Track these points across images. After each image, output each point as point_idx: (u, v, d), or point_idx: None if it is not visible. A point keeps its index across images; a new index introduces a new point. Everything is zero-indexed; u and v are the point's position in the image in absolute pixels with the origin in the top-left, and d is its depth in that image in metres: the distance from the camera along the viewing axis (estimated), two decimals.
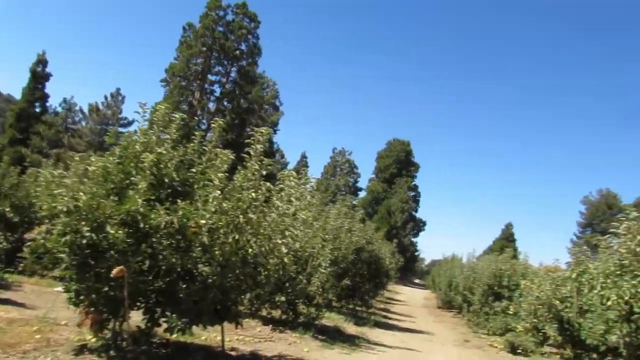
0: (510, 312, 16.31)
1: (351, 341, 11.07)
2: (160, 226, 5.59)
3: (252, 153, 6.60)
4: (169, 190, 6.36)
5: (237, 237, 5.52)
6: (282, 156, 74.33)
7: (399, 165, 73.92)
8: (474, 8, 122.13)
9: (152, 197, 6.11)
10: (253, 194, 6.04)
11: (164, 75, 53.10)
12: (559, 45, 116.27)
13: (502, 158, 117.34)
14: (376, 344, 11.87)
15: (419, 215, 74.27)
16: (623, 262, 6.86)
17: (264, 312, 11.38)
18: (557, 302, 9.14)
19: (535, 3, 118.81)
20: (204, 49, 50.84)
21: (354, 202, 66.80)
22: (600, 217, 69.75)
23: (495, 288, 19.02)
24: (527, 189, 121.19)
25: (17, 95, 48.07)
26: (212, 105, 55.00)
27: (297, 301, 10.47)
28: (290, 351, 8.65)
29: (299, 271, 10.65)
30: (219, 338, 8.69)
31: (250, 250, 5.69)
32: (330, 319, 15.19)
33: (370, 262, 17.59)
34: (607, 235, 9.73)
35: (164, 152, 6.43)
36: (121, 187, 5.92)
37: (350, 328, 13.90)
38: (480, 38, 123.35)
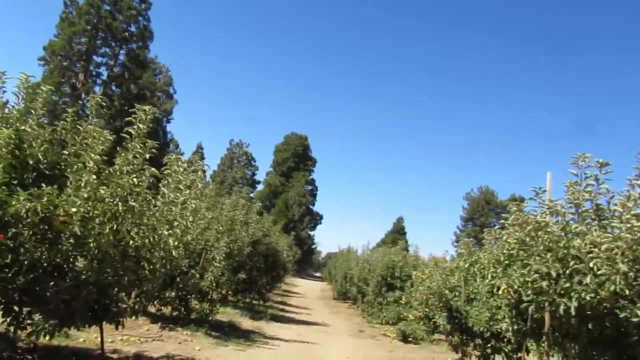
0: (403, 302, 16.88)
1: (246, 337, 10.61)
2: (20, 214, 4.71)
3: (133, 133, 5.86)
4: (35, 174, 5.44)
5: (115, 227, 4.80)
6: (177, 146, 71.32)
7: (296, 159, 74.47)
8: None
9: (14, 182, 5.19)
10: (135, 180, 5.33)
11: (43, 54, 48.00)
12: (447, 43, 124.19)
13: (395, 155, 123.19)
14: (272, 338, 11.53)
15: (315, 208, 75.52)
16: (511, 252, 7.16)
17: (153, 309, 10.52)
18: (447, 291, 9.45)
19: None
20: (89, 27, 46.87)
21: (252, 195, 66.20)
22: (480, 211, 76.19)
23: (388, 279, 19.61)
24: (417, 185, 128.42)
25: None
26: (98, 90, 50.87)
27: (189, 297, 9.76)
28: (180, 350, 7.98)
29: (191, 265, 9.97)
30: (99, 339, 7.82)
31: (131, 242, 4.99)
32: (226, 314, 14.59)
33: (267, 255, 17.21)
34: (496, 227, 10.31)
35: (28, 129, 5.48)
36: None
37: (246, 323, 13.43)
38: (374, 31, 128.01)
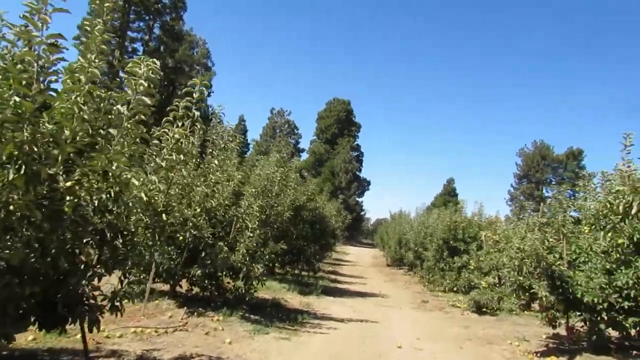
0: (472, 267, 14.74)
1: (293, 318, 8.85)
2: None
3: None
4: None
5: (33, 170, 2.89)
6: (220, 121, 70.50)
7: (340, 125, 72.16)
8: None
9: None
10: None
11: (77, 33, 47.40)
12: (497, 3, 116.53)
13: (443, 114, 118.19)
14: (324, 317, 9.75)
15: (362, 174, 73.29)
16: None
17: (183, 288, 8.93)
18: (545, 253, 7.24)
19: None
20: (121, 2, 45.61)
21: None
22: (535, 167, 71.54)
23: (450, 242, 17.46)
24: (467, 145, 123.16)
25: None
26: None
27: (219, 274, 8.05)
28: (204, 345, 6.27)
29: (219, 236, 8.22)
30: (105, 334, 6.21)
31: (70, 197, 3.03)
32: (271, 289, 12.95)
33: (314, 222, 15.39)
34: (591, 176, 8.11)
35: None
36: None
37: (294, 299, 11.73)
38: None
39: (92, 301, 3.61)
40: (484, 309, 12.31)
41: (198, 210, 7.30)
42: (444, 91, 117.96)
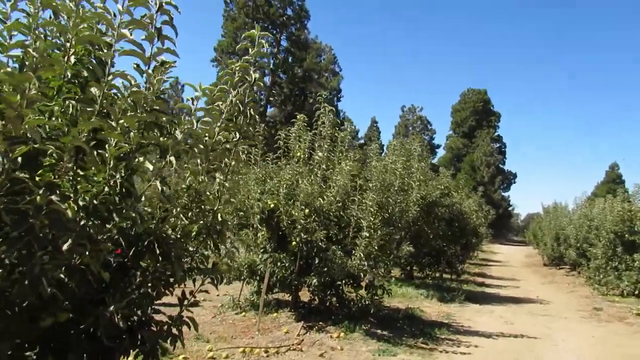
0: None
1: (428, 334, 7.42)
2: None
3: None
4: None
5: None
6: (352, 124, 70.74)
7: (477, 116, 67.75)
8: None
9: None
10: None
11: (214, 55, 50.91)
12: None
13: (595, 93, 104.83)
14: (467, 332, 8.14)
15: (507, 167, 67.74)
16: None
17: (305, 298, 8.08)
18: None
19: None
20: (249, 20, 47.97)
21: (434, 162, 61.91)
22: None
23: (626, 236, 14.37)
24: (631, 122, 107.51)
25: None
26: (267, 79, 52.28)
27: (338, 283, 7.01)
28: None
29: (339, 239, 7.17)
30: (210, 354, 5.51)
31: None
32: (407, 296, 11.65)
33: (451, 220, 13.66)
34: None
35: None
36: None
37: (432, 308, 10.24)
38: None
39: (146, 328, 2.75)
40: None
41: (307, 210, 6.35)
42: (591, 67, 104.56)
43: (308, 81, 55.97)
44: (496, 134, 67.89)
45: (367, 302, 7.30)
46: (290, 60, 52.77)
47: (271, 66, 51.90)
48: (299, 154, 7.03)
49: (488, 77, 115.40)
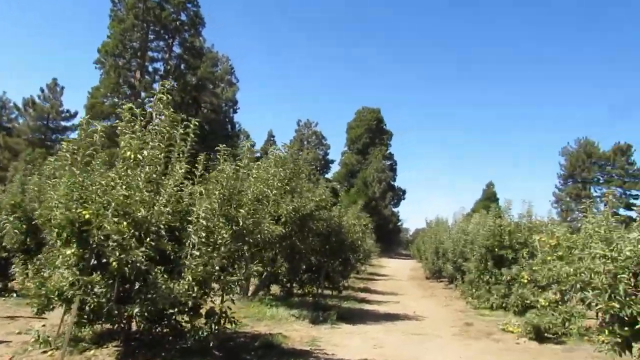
0: (524, 281, 11.95)
1: None
2: None
3: None
4: None
5: None
6: (248, 137, 69.23)
7: (371, 134, 69.81)
8: None
9: None
10: None
11: (98, 56, 46.92)
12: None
13: (476, 118, 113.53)
14: None
15: (397, 184, 70.36)
16: None
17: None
18: None
19: None
20: (138, 21, 44.96)
21: (327, 176, 62.27)
22: (581, 166, 66.74)
23: (496, 250, 14.70)
24: (505, 147, 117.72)
25: None
26: (156, 86, 49.22)
27: (170, 312, 5.77)
28: None
29: (166, 257, 5.92)
30: None
31: None
32: (275, 318, 10.64)
33: (329, 234, 12.98)
34: None
35: None
36: None
37: (299, 332, 9.34)
38: None
39: None
40: (546, 334, 9.58)
41: (125, 223, 5.09)
42: (476, 94, 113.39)
43: (201, 90, 53.80)
44: (388, 151, 70.35)
45: (203, 334, 6.14)
46: (182, 67, 50.32)
47: (162, 72, 49.18)
48: (128, 153, 5.76)
49: (382, 96, 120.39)
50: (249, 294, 12.06)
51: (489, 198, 67.84)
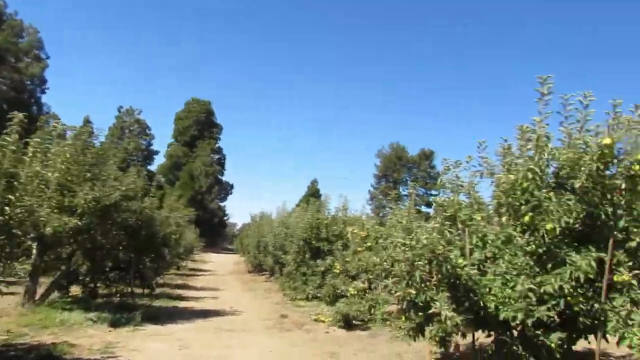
0: (337, 271, 12.39)
1: None
2: None
3: None
4: None
5: None
6: (58, 120, 61.27)
7: (200, 126, 67.63)
8: None
9: None
10: None
11: None
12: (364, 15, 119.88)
13: (306, 118, 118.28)
14: None
15: (225, 178, 69.44)
16: None
17: None
18: (446, 250, 4.81)
19: None
20: None
21: (150, 168, 58.50)
22: (392, 168, 74.26)
23: (313, 242, 15.10)
24: (329, 147, 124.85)
25: None
26: None
27: None
28: None
29: None
30: None
31: None
32: (66, 324, 9.21)
33: (139, 228, 11.80)
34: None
35: None
36: None
37: (93, 338, 8.16)
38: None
39: None
40: (354, 322, 9.97)
41: None
42: (304, 94, 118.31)
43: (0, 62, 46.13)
44: (217, 145, 69.00)
45: None
46: None
47: None
48: None
49: (213, 89, 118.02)
50: (36, 298, 10.29)
51: (313, 194, 71.22)
